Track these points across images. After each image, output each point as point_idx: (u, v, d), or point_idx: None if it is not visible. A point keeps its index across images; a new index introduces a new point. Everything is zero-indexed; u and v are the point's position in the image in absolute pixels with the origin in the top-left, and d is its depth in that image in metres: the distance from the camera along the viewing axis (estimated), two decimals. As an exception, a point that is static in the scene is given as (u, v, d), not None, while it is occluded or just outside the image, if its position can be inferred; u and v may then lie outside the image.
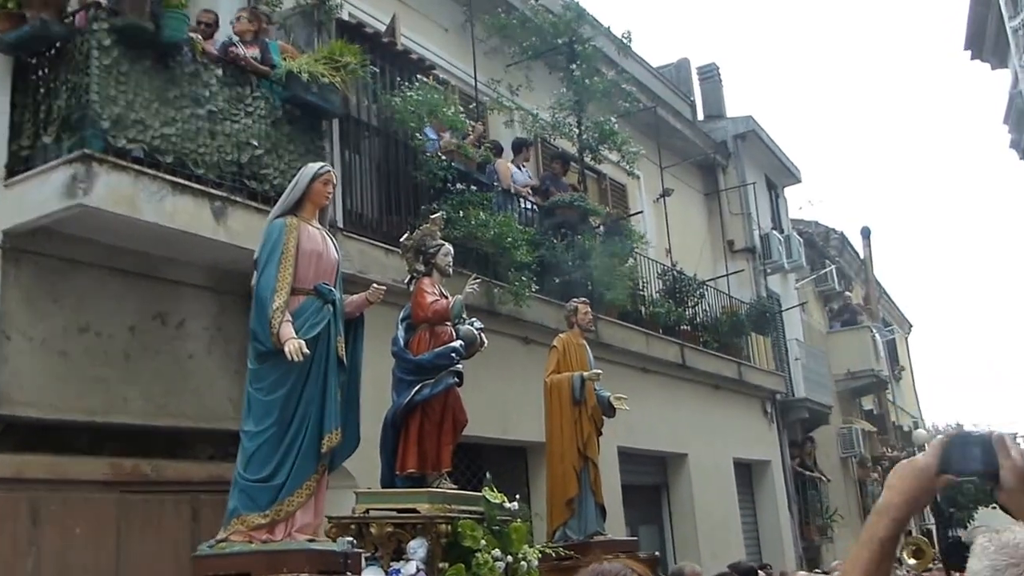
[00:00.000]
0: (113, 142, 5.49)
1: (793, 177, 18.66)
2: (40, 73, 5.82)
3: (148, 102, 5.75)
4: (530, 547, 6.01)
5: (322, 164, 5.09)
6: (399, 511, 5.56)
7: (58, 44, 5.78)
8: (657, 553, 8.56)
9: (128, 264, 6.11)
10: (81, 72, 5.52)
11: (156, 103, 5.79)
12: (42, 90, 5.74)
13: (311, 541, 4.56)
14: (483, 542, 5.50)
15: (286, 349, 4.45)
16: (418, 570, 5.21)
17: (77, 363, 5.79)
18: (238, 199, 6.12)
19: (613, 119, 10.86)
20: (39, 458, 5.68)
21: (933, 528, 27.65)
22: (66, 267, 5.83)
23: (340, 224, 7.26)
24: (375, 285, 5.15)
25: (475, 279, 6.28)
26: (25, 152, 5.67)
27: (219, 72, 6.32)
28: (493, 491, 5.89)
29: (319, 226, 4.94)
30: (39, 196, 5.44)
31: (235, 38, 6.82)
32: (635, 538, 8.55)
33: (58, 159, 5.42)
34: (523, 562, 5.80)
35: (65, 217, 5.45)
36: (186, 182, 5.83)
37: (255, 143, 6.39)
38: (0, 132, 5.70)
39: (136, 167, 5.56)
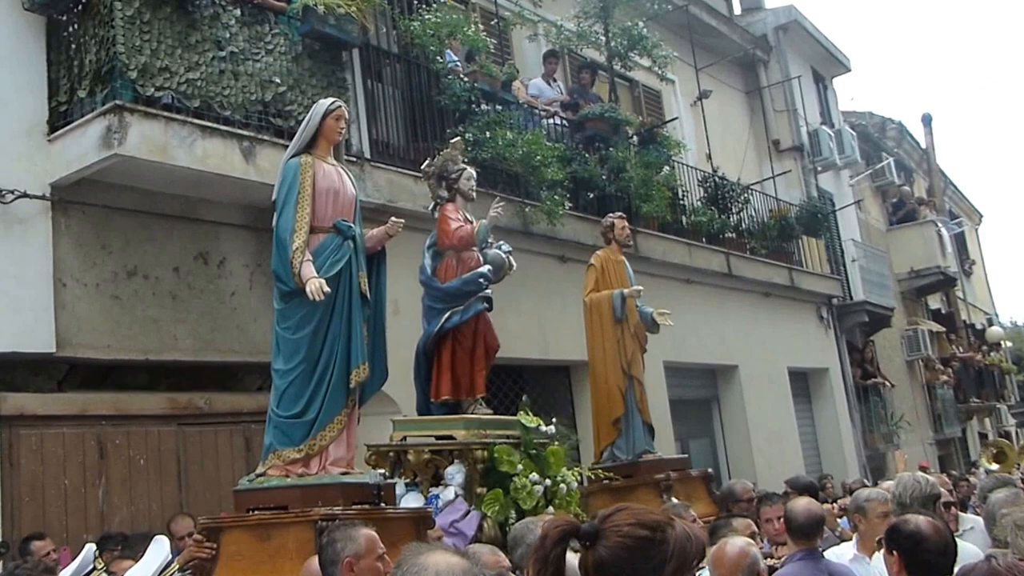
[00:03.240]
0: (142, 91, 6.06)
1: (842, 66, 18.46)
2: (71, 29, 6.37)
3: (172, 49, 6.28)
4: (569, 469, 6.22)
5: (333, 100, 5.27)
6: (436, 438, 5.88)
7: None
8: (710, 470, 8.74)
9: (168, 208, 6.74)
10: (107, 25, 6.06)
11: (179, 49, 6.32)
12: (73, 46, 6.31)
13: (344, 474, 4.80)
14: (520, 466, 5.75)
15: (307, 289, 4.68)
16: (456, 496, 5.55)
17: (129, 305, 6.46)
18: (265, 137, 6.66)
19: (641, 23, 10.97)
20: (102, 395, 6.44)
21: (1013, 429, 28.01)
22: (111, 214, 6.47)
23: (367, 154, 7.75)
24: (393, 219, 5.38)
25: (499, 202, 6.47)
26: (64, 107, 6.28)
27: (237, 12, 6.81)
28: (528, 415, 6.12)
29: (334, 162, 5.17)
30: (79, 149, 6.06)
31: (248, -24, 7.25)
32: (685, 455, 8.72)
33: (92, 112, 6.01)
34: (562, 485, 6.01)
35: (104, 167, 6.07)
36: (214, 125, 6.38)
37: (277, 80, 6.91)
38: (40, 90, 6.32)
39: (166, 114, 6.14)
